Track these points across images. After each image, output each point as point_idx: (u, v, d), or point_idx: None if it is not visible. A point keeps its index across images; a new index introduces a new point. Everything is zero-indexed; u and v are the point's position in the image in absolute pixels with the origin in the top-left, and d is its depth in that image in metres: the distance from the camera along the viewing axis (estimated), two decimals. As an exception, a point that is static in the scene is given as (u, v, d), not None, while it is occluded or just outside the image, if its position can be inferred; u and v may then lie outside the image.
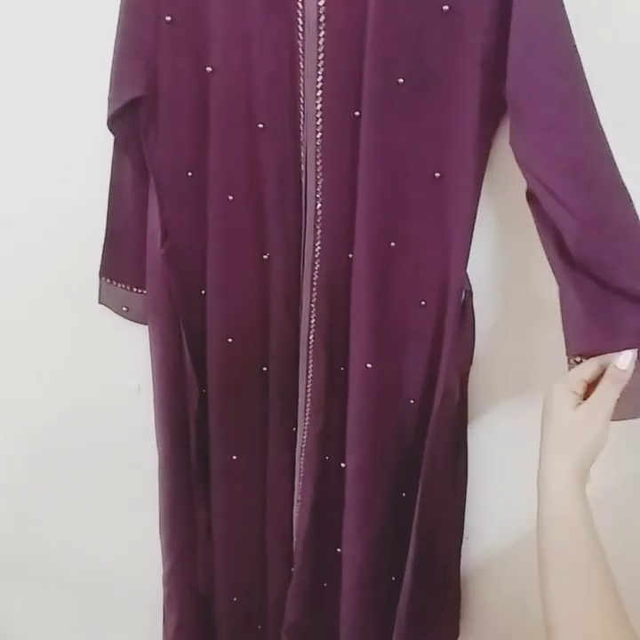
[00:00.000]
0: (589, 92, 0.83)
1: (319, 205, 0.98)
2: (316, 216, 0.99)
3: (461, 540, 1.16)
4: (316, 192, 0.97)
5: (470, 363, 1.06)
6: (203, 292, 1.06)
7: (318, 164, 0.96)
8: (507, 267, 1.03)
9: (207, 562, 1.22)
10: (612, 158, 0.83)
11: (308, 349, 1.06)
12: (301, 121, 0.95)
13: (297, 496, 1.15)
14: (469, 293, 1.01)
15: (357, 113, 0.92)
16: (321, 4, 0.88)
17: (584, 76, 0.82)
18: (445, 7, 0.86)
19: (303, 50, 0.91)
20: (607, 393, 0.81)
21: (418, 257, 0.98)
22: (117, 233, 1.09)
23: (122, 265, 1.12)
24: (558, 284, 0.89)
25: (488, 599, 1.23)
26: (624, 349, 0.82)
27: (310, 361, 1.06)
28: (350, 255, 0.99)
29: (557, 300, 0.89)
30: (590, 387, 0.83)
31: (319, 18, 0.89)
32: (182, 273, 1.04)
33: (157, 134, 0.98)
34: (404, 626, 1.10)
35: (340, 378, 1.06)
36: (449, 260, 0.97)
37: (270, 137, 0.96)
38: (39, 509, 1.45)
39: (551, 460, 0.80)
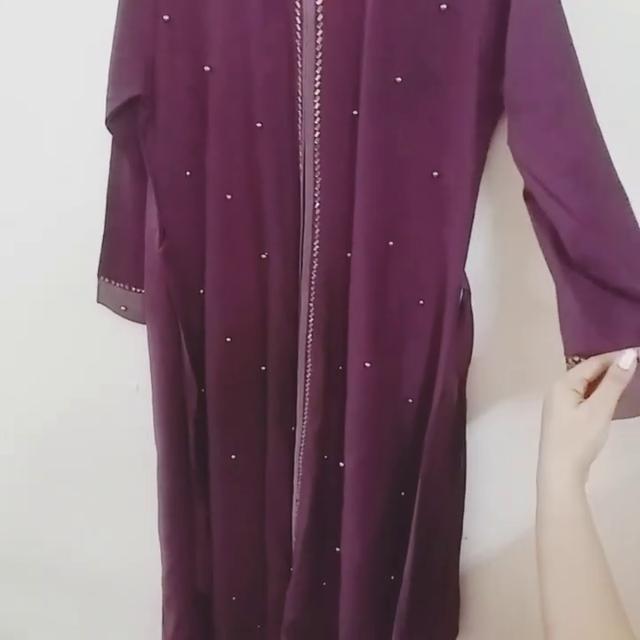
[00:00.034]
0: (586, 92, 0.83)
1: (317, 204, 0.98)
2: (314, 215, 0.99)
3: (460, 539, 1.16)
4: (315, 191, 0.98)
5: (469, 362, 1.06)
6: (201, 291, 1.06)
7: (316, 163, 0.96)
8: (505, 266, 1.03)
9: (206, 561, 1.22)
10: (608, 157, 0.83)
11: (307, 349, 1.06)
12: (299, 120, 0.95)
13: (296, 495, 1.15)
14: (468, 293, 1.00)
15: (355, 112, 0.92)
16: (319, 3, 0.88)
17: (581, 76, 0.83)
18: (443, 6, 0.86)
19: (301, 49, 0.91)
20: (609, 392, 0.80)
21: (416, 256, 0.98)
22: (116, 232, 1.09)
23: (120, 264, 1.12)
24: (555, 283, 0.89)
25: (487, 598, 1.23)
26: (621, 348, 0.82)
27: (309, 360, 1.06)
28: (348, 254, 0.99)
29: (555, 300, 0.89)
30: (591, 386, 0.83)
31: (317, 17, 0.89)
32: (180, 272, 1.04)
33: (155, 134, 0.98)
34: (403, 624, 1.10)
35: (339, 377, 1.06)
36: (447, 260, 0.97)
37: (268, 136, 0.96)
38: (39, 509, 1.45)
39: (551, 459, 0.80)
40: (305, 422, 1.10)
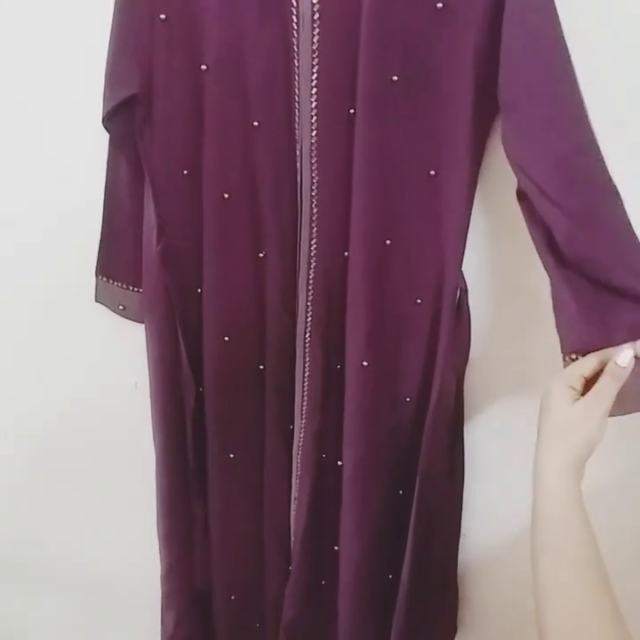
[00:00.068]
0: (580, 91, 0.83)
1: (314, 203, 0.98)
2: (311, 214, 0.99)
3: (459, 538, 1.17)
4: (312, 190, 0.98)
5: (466, 360, 1.06)
6: (199, 290, 1.06)
7: (313, 161, 0.96)
8: (502, 265, 1.03)
9: (205, 560, 1.22)
10: (601, 157, 0.83)
11: (305, 347, 1.06)
12: (296, 119, 0.95)
13: (294, 494, 1.15)
14: (465, 291, 1.01)
15: (352, 111, 0.92)
16: (315, 1, 0.88)
17: (575, 75, 0.83)
18: (439, 5, 0.86)
19: (298, 48, 0.92)
20: (606, 389, 0.80)
21: (413, 255, 0.98)
22: (113, 231, 1.09)
23: (118, 263, 1.12)
24: (550, 281, 0.89)
25: (486, 596, 1.23)
26: (617, 345, 0.82)
27: (307, 359, 1.07)
28: (346, 253, 0.99)
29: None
30: (588, 383, 0.83)
31: (313, 16, 0.89)
32: (178, 271, 1.05)
33: (152, 133, 0.99)
34: (402, 623, 1.10)
35: (337, 376, 1.06)
36: (444, 258, 0.97)
37: (265, 135, 0.97)
38: (39, 509, 1.45)
39: (547, 455, 0.80)
40: (303, 421, 1.10)
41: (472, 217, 0.97)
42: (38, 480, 1.42)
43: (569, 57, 0.82)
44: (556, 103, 0.83)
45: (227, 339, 1.07)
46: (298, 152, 0.97)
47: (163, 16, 0.93)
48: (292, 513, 1.17)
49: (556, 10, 0.82)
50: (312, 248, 1.01)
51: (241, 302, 1.06)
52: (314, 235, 1.00)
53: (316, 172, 0.97)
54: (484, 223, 1.00)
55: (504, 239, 1.01)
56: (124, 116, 0.98)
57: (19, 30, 1.08)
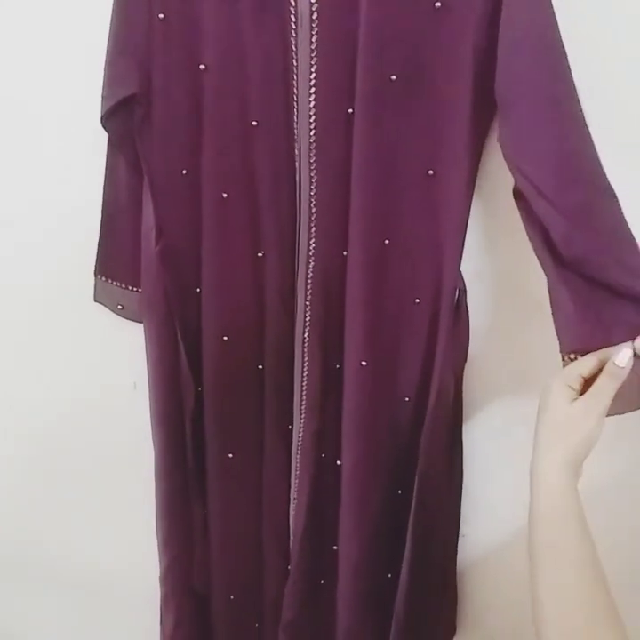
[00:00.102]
0: (576, 91, 0.83)
1: (313, 203, 0.98)
2: (310, 213, 0.99)
3: (457, 537, 1.17)
4: (310, 189, 0.98)
5: (465, 360, 1.06)
6: (198, 289, 1.06)
7: (312, 161, 0.96)
8: (500, 264, 1.03)
9: (204, 560, 1.22)
10: (597, 157, 0.83)
11: (304, 347, 1.06)
12: (295, 118, 0.95)
13: (293, 494, 1.15)
14: (463, 291, 1.01)
15: (351, 110, 0.92)
16: (313, 1, 0.88)
17: (571, 76, 0.83)
18: (438, 4, 0.86)
19: (296, 47, 0.92)
20: (604, 388, 0.80)
21: (412, 254, 0.98)
22: (112, 231, 1.09)
23: (117, 263, 1.12)
24: (548, 281, 0.89)
25: (485, 596, 1.22)
26: (615, 344, 0.82)
27: (305, 358, 1.07)
28: (345, 253, 0.99)
29: (550, 297, 0.90)
30: (587, 382, 0.83)
31: (312, 15, 0.89)
32: (177, 271, 1.05)
33: (151, 132, 0.99)
34: (401, 623, 1.10)
35: (336, 375, 1.06)
36: (442, 258, 0.97)
37: (264, 134, 0.97)
38: (39, 509, 1.45)
39: (545, 454, 0.80)
40: (302, 421, 1.10)
41: (471, 216, 0.97)
42: (38, 480, 1.42)
43: (566, 57, 0.82)
44: (552, 103, 0.83)
45: (226, 338, 1.07)
46: (296, 151, 0.97)
47: (161, 15, 0.93)
48: (291, 513, 1.17)
49: (553, 10, 0.82)
50: (311, 248, 1.01)
51: (240, 302, 1.06)
52: (312, 234, 1.00)
53: (314, 171, 0.97)
54: (483, 223, 1.00)
55: (503, 239, 1.01)
56: (122, 115, 0.98)
57: (18, 30, 1.08)
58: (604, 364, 0.82)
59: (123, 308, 1.15)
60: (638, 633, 0.77)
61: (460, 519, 1.15)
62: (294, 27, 0.91)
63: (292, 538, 1.18)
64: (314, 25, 0.90)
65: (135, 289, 1.12)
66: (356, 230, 0.97)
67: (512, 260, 1.01)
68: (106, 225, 1.09)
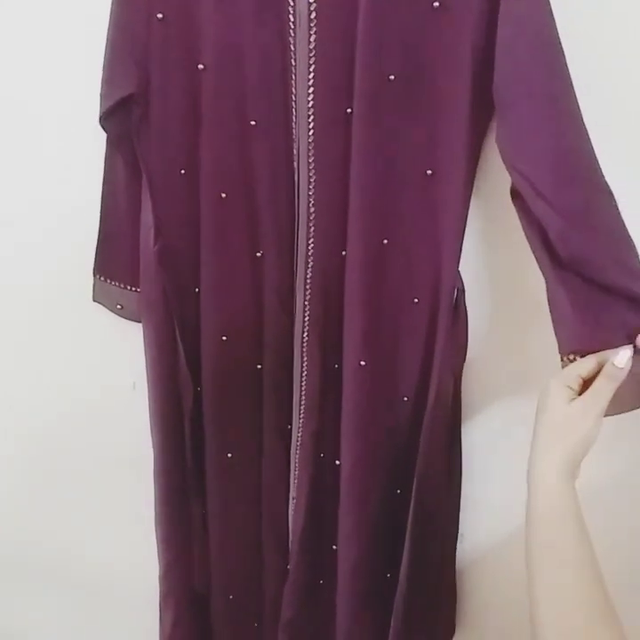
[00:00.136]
0: (573, 90, 0.83)
1: (312, 202, 0.98)
2: (308, 213, 0.99)
3: (456, 537, 1.17)
4: (309, 189, 0.98)
5: (463, 360, 1.06)
6: (196, 289, 1.06)
7: (310, 161, 0.96)
8: (499, 264, 1.03)
9: (203, 560, 1.22)
10: (594, 156, 0.83)
11: (302, 347, 1.06)
12: (293, 118, 0.95)
13: (292, 493, 1.16)
14: (462, 291, 1.01)
15: (349, 110, 0.92)
16: (312, 0, 0.88)
17: (569, 75, 0.83)
18: (436, 4, 0.86)
19: (294, 47, 0.92)
20: (602, 389, 0.81)
21: (410, 254, 0.98)
22: (110, 231, 1.09)
23: (115, 263, 1.12)
24: (546, 281, 0.89)
25: (484, 596, 1.22)
26: (614, 347, 0.82)
27: (304, 358, 1.07)
28: (343, 252, 0.99)
29: (549, 297, 0.90)
30: (586, 383, 0.83)
31: (310, 15, 0.89)
32: (176, 271, 1.05)
33: (150, 132, 0.99)
34: (400, 623, 1.10)
35: (334, 375, 1.06)
36: (441, 258, 0.97)
37: (262, 134, 0.97)
38: (39, 509, 1.45)
39: (542, 454, 0.80)
40: (301, 420, 1.10)
41: (469, 216, 0.97)
42: (38, 480, 1.42)
43: (564, 57, 0.82)
44: (549, 101, 0.83)
45: (224, 338, 1.07)
46: (295, 151, 0.97)
47: (160, 15, 0.93)
48: (291, 512, 1.17)
49: (550, 8, 0.82)
50: (309, 247, 1.01)
51: (238, 302, 1.06)
52: (311, 234, 1.00)
53: (313, 171, 0.97)
54: (482, 223, 1.00)
55: (501, 239, 1.01)
56: (121, 115, 0.98)
57: (18, 30, 1.08)
58: (603, 365, 0.82)
59: (122, 307, 1.15)
60: (637, 633, 0.77)
61: (458, 519, 1.15)
62: (293, 26, 0.91)
63: (291, 537, 1.18)
64: (312, 24, 0.90)
65: (134, 289, 1.12)
66: (355, 230, 0.97)
67: (511, 260, 1.01)
68: (104, 225, 1.09)
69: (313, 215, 0.99)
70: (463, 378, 1.07)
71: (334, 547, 1.13)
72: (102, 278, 1.14)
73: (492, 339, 1.06)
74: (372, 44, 0.88)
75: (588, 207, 0.84)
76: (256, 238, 1.03)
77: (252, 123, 0.96)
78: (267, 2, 0.90)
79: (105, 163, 1.06)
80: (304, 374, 1.08)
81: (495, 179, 0.96)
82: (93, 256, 1.13)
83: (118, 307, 1.15)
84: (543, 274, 0.89)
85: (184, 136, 0.99)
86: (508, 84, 0.84)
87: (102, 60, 0.96)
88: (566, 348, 0.88)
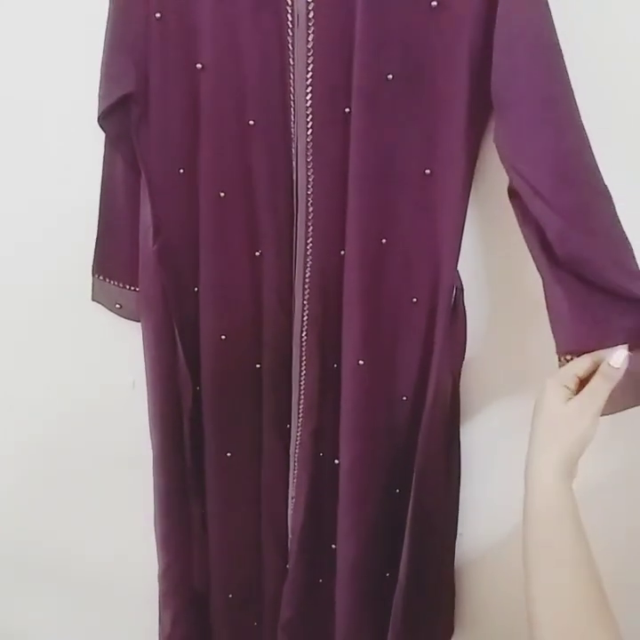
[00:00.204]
0: (572, 90, 0.83)
1: (310, 202, 0.99)
2: (307, 212, 0.99)
3: (455, 537, 1.17)
4: (307, 188, 0.98)
5: (462, 360, 1.06)
6: (195, 289, 1.06)
7: (309, 160, 0.96)
8: (497, 264, 1.03)
9: (202, 559, 1.22)
10: (593, 156, 0.83)
11: (302, 346, 1.07)
12: (292, 117, 0.95)
13: (291, 492, 1.16)
14: (460, 290, 1.01)
15: (348, 109, 0.93)
16: (310, 0, 0.88)
17: (567, 74, 0.83)
18: (434, 3, 0.86)
19: (293, 47, 0.92)
20: (598, 389, 0.81)
21: (409, 254, 0.99)
22: (109, 230, 1.09)
23: (114, 262, 1.12)
24: (543, 281, 0.89)
25: (483, 595, 1.23)
26: (611, 347, 0.82)
27: (303, 358, 1.07)
28: (342, 252, 1.00)
29: (548, 297, 0.90)
30: (583, 383, 0.83)
31: (308, 14, 0.89)
32: (175, 270, 1.05)
33: (148, 131, 0.99)
34: (399, 622, 1.10)
35: (333, 374, 1.06)
36: (440, 257, 0.97)
37: (261, 134, 0.97)
38: (39, 509, 1.45)
39: (539, 453, 0.80)
40: (300, 420, 1.10)
41: (468, 215, 0.97)
42: (38, 480, 1.42)
43: (562, 56, 0.82)
44: (548, 101, 0.83)
45: (223, 337, 1.07)
46: (293, 151, 0.97)
47: (158, 14, 0.93)
48: (290, 511, 1.17)
49: (549, 9, 0.82)
50: (308, 247, 1.01)
51: (238, 301, 1.06)
52: (310, 233, 1.00)
53: (311, 170, 0.97)
54: (480, 222, 1.00)
55: (500, 238, 1.01)
56: (119, 114, 0.98)
57: (17, 30, 1.08)
58: (599, 364, 0.82)
59: (121, 307, 1.15)
60: (634, 633, 0.77)
61: (457, 518, 1.15)
62: (291, 26, 0.91)
63: (290, 536, 1.18)
64: (310, 24, 0.90)
65: (133, 288, 1.12)
66: (354, 229, 0.97)
67: (509, 259, 1.00)
68: (103, 224, 1.09)
69: (311, 214, 0.99)
70: (462, 377, 1.07)
71: (333, 546, 1.13)
72: (101, 277, 1.13)
73: (491, 338, 1.06)
74: (370, 43, 0.88)
75: (586, 207, 0.84)
76: (255, 237, 1.03)
77: (251, 122, 0.96)
78: (265, 1, 0.90)
79: (104, 162, 1.06)
80: (303, 373, 1.08)
81: (493, 178, 0.96)
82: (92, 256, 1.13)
83: (117, 306, 1.15)
84: (540, 274, 0.89)
85: (183, 135, 0.99)
86: (507, 84, 0.84)
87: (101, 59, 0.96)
88: (563, 347, 0.88)
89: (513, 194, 0.90)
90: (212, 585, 1.23)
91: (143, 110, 0.98)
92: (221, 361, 1.08)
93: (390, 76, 0.90)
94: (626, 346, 0.82)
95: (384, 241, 0.98)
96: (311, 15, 0.89)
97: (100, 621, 1.55)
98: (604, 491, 1.03)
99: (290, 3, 0.90)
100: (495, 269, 1.03)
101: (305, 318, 1.05)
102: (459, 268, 0.99)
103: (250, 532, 1.20)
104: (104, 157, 1.06)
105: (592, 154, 0.83)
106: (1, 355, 1.33)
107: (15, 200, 1.20)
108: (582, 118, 0.83)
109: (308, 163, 0.97)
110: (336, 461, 1.09)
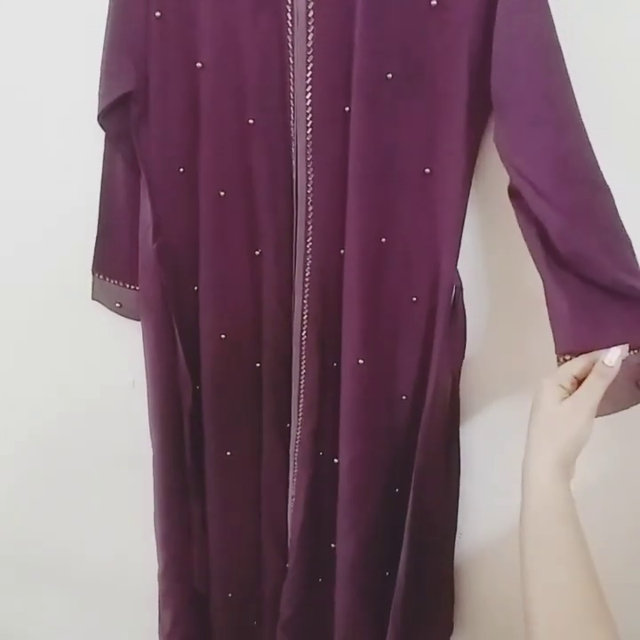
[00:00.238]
0: (572, 89, 0.83)
1: (310, 201, 0.99)
2: (306, 212, 0.99)
3: (455, 536, 1.17)
4: (307, 188, 0.98)
5: (462, 359, 1.06)
6: (195, 288, 1.06)
7: (309, 159, 0.96)
8: (498, 263, 1.03)
9: (202, 558, 1.22)
10: (593, 154, 0.83)
11: (301, 345, 1.07)
12: (292, 117, 0.95)
13: (291, 492, 1.16)
14: (460, 289, 1.01)
15: (347, 108, 0.93)
16: (309, -1, 0.89)
17: (567, 73, 0.83)
18: (434, 2, 0.86)
19: (292, 45, 0.92)
20: (593, 388, 0.81)
21: (409, 253, 0.99)
22: (109, 229, 1.09)
23: (114, 261, 1.12)
24: (543, 281, 0.89)
25: (482, 594, 1.23)
26: (610, 346, 0.82)
27: (303, 357, 1.07)
28: (342, 251, 1.00)
29: (547, 297, 0.90)
30: (580, 382, 0.83)
31: (308, 13, 0.89)
32: (174, 269, 1.05)
33: (148, 130, 0.99)
34: (398, 621, 1.10)
35: (333, 374, 1.06)
36: (439, 256, 0.97)
37: (261, 133, 0.97)
38: (39, 509, 1.45)
39: (535, 452, 0.80)
40: (300, 419, 1.10)
41: (468, 215, 0.97)
42: (38, 479, 1.42)
43: (562, 55, 0.82)
44: (547, 100, 0.83)
45: (223, 337, 1.07)
46: (293, 150, 0.97)
47: (158, 13, 0.93)
48: (289, 511, 1.17)
49: (549, 9, 0.82)
50: (308, 246, 1.01)
51: (237, 300, 1.06)
52: (309, 233, 1.00)
53: (311, 169, 0.97)
54: (480, 221, 1.00)
55: (500, 237, 1.01)
56: (119, 113, 0.98)
57: (17, 29, 1.09)
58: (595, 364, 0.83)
59: (121, 306, 1.15)
60: (632, 633, 0.77)
61: (457, 517, 1.15)
62: (291, 25, 0.91)
63: (290, 536, 1.18)
64: (310, 23, 0.90)
65: (133, 287, 1.12)
66: (353, 228, 0.97)
67: (509, 258, 1.01)
68: (103, 223, 1.09)
69: (311, 213, 0.99)
70: (462, 376, 1.07)
71: (333, 545, 1.13)
72: (101, 276, 1.13)
73: (491, 337, 1.06)
74: (369, 42, 0.88)
75: (588, 205, 0.84)
76: (255, 237, 1.03)
77: (251, 121, 0.96)
78: (265, 1, 0.91)
79: (103, 161, 1.06)
80: (303, 373, 1.08)
81: (493, 177, 0.96)
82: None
83: (117, 305, 1.15)
84: (540, 273, 0.89)
85: (183, 134, 0.99)
86: (507, 83, 0.84)
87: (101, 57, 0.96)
88: (563, 348, 0.88)
89: (513, 193, 0.90)
90: (212, 584, 1.23)
91: (143, 109, 0.98)
92: (221, 360, 1.08)
93: (390, 76, 0.90)
94: (626, 346, 0.82)
95: (384, 240, 0.98)
96: (311, 14, 0.89)
97: (100, 621, 1.55)
98: (602, 491, 1.03)
99: (290, 2, 0.90)
100: (495, 269, 1.03)
101: (305, 317, 1.05)
102: (458, 267, 0.99)
103: (250, 531, 1.20)
104: (104, 156, 1.06)
105: (592, 152, 0.83)
106: (1, 355, 1.33)
107: (15, 199, 1.20)
108: (582, 118, 0.83)
109: (307, 162, 0.97)
110: (336, 460, 1.09)
